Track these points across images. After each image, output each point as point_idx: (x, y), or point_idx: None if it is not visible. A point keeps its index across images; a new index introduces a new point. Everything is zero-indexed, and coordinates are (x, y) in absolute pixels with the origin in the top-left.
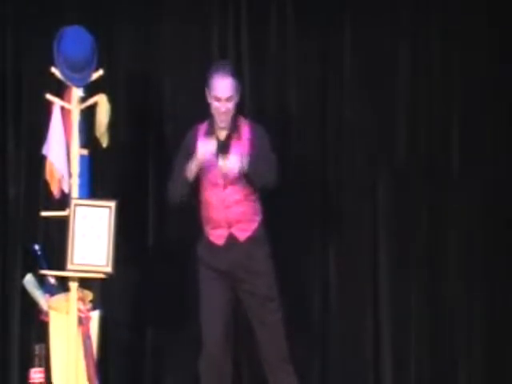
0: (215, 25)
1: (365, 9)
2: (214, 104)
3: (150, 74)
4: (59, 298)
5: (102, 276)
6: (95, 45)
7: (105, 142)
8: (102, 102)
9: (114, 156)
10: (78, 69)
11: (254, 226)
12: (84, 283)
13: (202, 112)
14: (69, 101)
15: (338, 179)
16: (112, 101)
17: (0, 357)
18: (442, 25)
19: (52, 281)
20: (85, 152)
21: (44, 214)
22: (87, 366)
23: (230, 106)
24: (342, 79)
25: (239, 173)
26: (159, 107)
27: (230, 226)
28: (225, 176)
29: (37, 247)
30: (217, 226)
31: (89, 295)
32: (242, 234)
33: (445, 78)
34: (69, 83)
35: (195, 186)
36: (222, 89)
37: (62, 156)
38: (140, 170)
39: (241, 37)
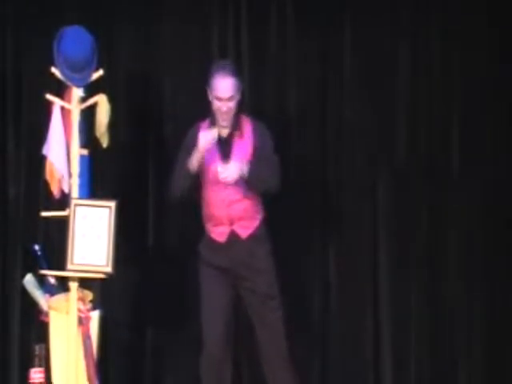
0: (215, 25)
1: (365, 9)
2: (216, 104)
3: (150, 74)
4: (59, 298)
5: (101, 276)
6: (95, 45)
7: (105, 142)
8: (102, 102)
9: (114, 156)
10: (78, 69)
11: (256, 223)
12: (84, 283)
13: (202, 112)
14: (69, 101)
15: (338, 179)
16: (112, 101)
17: (0, 357)
18: (442, 25)
19: (52, 281)
20: (85, 152)
21: (44, 214)
22: (87, 366)
23: (232, 105)
24: (342, 79)
25: (238, 179)
26: (159, 107)
27: (231, 223)
28: (223, 181)
29: (37, 247)
30: (218, 224)
31: (89, 295)
32: (244, 232)
33: (445, 78)
34: (69, 83)
35: (197, 182)
36: (224, 89)
37: (62, 156)
38: (140, 170)
39: (241, 37)
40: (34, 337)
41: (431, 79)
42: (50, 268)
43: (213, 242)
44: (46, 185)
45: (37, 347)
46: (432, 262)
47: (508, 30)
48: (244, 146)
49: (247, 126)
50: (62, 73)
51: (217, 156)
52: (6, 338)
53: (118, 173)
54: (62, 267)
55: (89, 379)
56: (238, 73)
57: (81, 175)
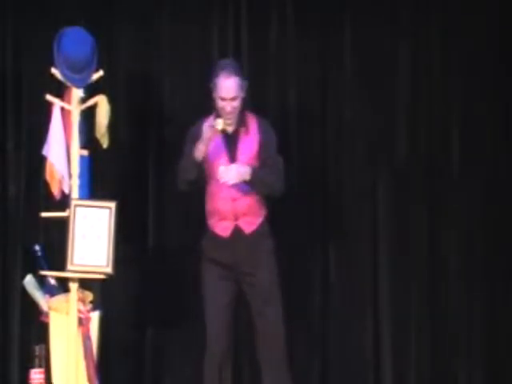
0: (215, 25)
1: (365, 9)
2: (220, 103)
3: (150, 74)
4: (59, 298)
5: (102, 277)
6: (95, 45)
7: (105, 143)
8: (102, 102)
9: (114, 156)
10: (78, 69)
11: (260, 220)
12: (84, 284)
13: (202, 112)
14: (69, 101)
15: (338, 179)
16: (112, 101)
17: (0, 357)
18: (442, 25)
19: (52, 281)
20: (85, 153)
21: (44, 214)
22: (87, 366)
23: (236, 104)
24: (342, 79)
25: (238, 183)
26: (159, 107)
27: (236, 218)
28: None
29: (37, 248)
30: (223, 218)
31: (89, 296)
32: (248, 227)
33: (445, 78)
34: (69, 84)
35: (203, 174)
36: (227, 89)
37: (62, 157)
38: (140, 169)
39: (241, 37)
40: (34, 337)
41: (431, 79)
42: (50, 269)
43: (216, 237)
44: (46, 185)
45: (37, 348)
46: (432, 262)
47: (508, 29)
48: (250, 143)
49: (253, 122)
50: (62, 73)
51: (223, 152)
52: (6, 338)
53: (118, 173)
54: (62, 268)
55: (89, 380)
56: (241, 71)
57: (81, 176)
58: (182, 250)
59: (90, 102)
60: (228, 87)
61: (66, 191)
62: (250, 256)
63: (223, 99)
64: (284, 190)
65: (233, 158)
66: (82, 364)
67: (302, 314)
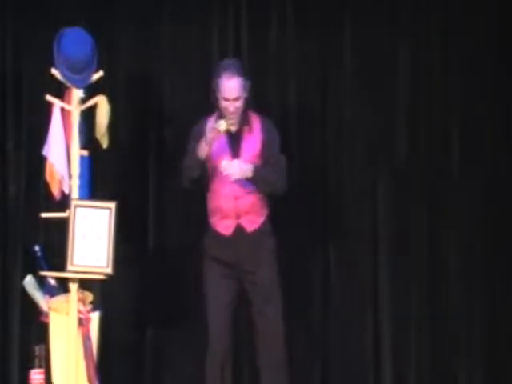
0: (215, 25)
1: (365, 9)
2: (223, 103)
3: (150, 74)
4: (59, 299)
5: (101, 277)
6: (95, 46)
7: (105, 144)
8: (102, 103)
9: (114, 156)
10: (78, 70)
11: (262, 219)
12: (84, 284)
13: (202, 112)
14: (69, 102)
15: (338, 179)
16: (112, 101)
17: (0, 357)
18: (442, 25)
19: (52, 282)
20: (85, 153)
21: (44, 215)
22: (87, 367)
23: (239, 104)
24: (342, 79)
25: (240, 179)
26: (159, 107)
27: (238, 216)
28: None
29: (37, 248)
30: (225, 216)
31: (89, 296)
32: (250, 226)
33: (445, 78)
34: (69, 84)
35: (206, 172)
36: (230, 90)
37: (63, 157)
38: (140, 170)
39: (241, 37)
40: (34, 337)
41: (431, 79)
42: (49, 269)
43: (218, 235)
44: (46, 185)
45: (37, 348)
46: (432, 262)
47: (508, 29)
48: (253, 142)
49: (256, 122)
50: (62, 74)
51: (226, 150)
52: (6, 338)
53: (118, 173)
54: (62, 268)
55: (89, 380)
56: (243, 71)
57: (81, 176)
58: (181, 249)
59: (90, 103)
60: (231, 88)
61: (66, 191)
62: (252, 254)
63: (226, 100)
64: (286, 189)
65: (236, 157)
66: (82, 364)
67: (302, 314)
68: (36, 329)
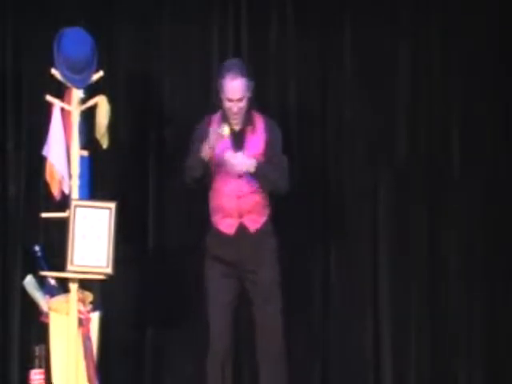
0: (215, 25)
1: (365, 9)
2: (227, 104)
3: (150, 74)
4: (59, 299)
5: (102, 277)
6: (95, 46)
7: (105, 144)
8: (102, 103)
9: (114, 156)
10: (78, 70)
11: (264, 218)
12: (84, 284)
13: (203, 112)
14: (69, 102)
15: (338, 179)
16: (112, 101)
17: (0, 357)
18: (442, 25)
19: (52, 282)
20: (85, 153)
21: (44, 215)
22: (87, 367)
23: (242, 104)
24: (342, 79)
25: (244, 173)
26: (159, 107)
27: (241, 215)
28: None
29: (37, 248)
30: (227, 215)
31: (89, 296)
32: (253, 225)
33: (445, 78)
34: (69, 84)
35: (208, 172)
36: (233, 90)
37: (63, 157)
38: (140, 170)
39: (241, 37)
40: (34, 338)
41: (431, 79)
42: (50, 269)
43: (220, 234)
44: (46, 185)
45: (37, 348)
46: (432, 262)
47: (508, 29)
48: (256, 141)
49: (259, 121)
50: (62, 74)
51: (230, 150)
52: (6, 338)
53: (118, 173)
54: (62, 268)
55: (89, 380)
56: (247, 71)
57: (81, 176)
58: (182, 249)
59: (90, 103)
60: (234, 88)
61: (66, 192)
62: (254, 254)
63: (230, 100)
64: (288, 189)
65: None
66: (82, 364)
67: (302, 314)
68: (36, 329)
